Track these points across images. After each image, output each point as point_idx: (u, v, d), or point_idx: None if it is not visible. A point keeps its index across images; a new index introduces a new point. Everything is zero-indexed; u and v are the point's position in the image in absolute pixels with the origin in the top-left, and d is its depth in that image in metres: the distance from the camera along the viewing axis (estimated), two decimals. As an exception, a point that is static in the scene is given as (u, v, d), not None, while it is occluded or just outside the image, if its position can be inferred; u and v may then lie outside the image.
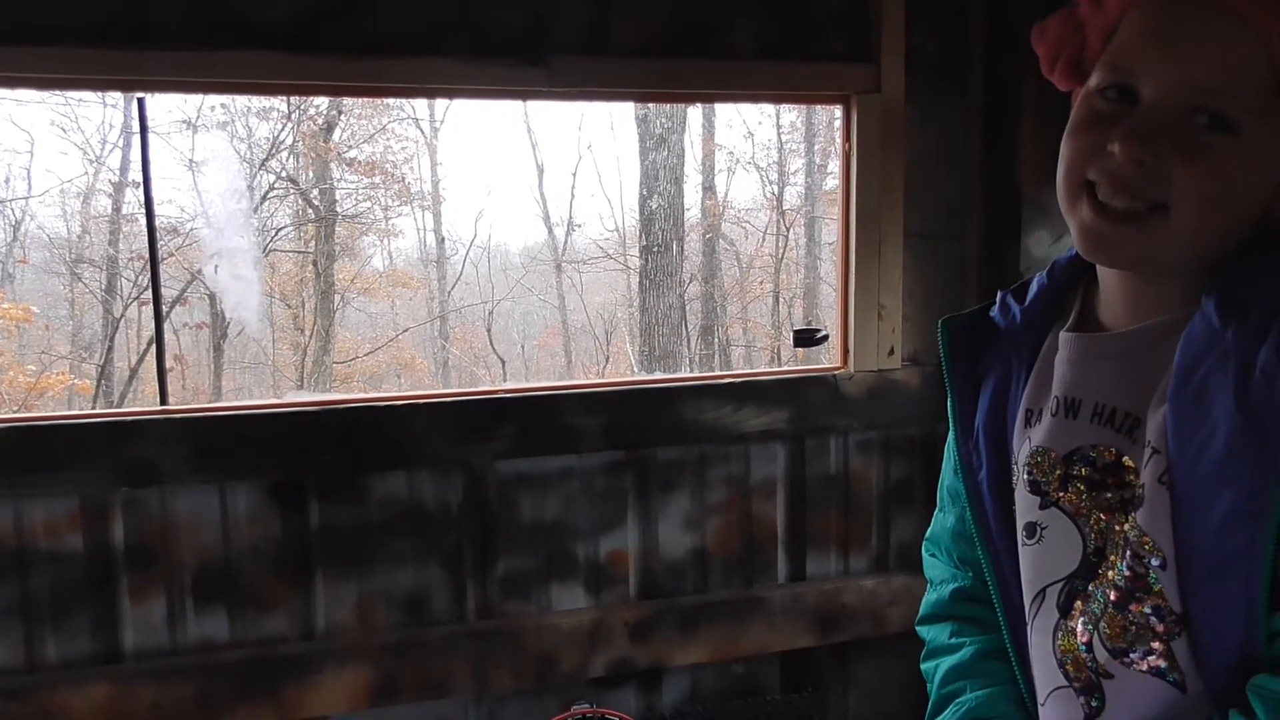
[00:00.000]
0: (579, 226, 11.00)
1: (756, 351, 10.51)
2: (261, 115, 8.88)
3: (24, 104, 8.34)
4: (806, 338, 2.59)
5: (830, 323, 2.52)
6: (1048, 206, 2.20)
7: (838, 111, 2.35)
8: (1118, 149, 0.77)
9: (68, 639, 1.98)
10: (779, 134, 10.56)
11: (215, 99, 8.31)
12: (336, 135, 9.55)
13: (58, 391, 8.17)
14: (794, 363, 9.19)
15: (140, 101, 2.28)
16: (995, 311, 0.98)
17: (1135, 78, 0.78)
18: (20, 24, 1.82)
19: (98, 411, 3.38)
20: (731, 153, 10.57)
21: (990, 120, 2.29)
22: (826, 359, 2.74)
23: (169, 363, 8.68)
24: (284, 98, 8.39)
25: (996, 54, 2.26)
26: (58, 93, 7.68)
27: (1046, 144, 2.13)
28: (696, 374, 8.61)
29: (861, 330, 2.34)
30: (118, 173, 8.81)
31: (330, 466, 2.07)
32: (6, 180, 8.99)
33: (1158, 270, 0.82)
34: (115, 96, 8.10)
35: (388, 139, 10.06)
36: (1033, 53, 0.87)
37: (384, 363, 10.18)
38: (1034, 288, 0.96)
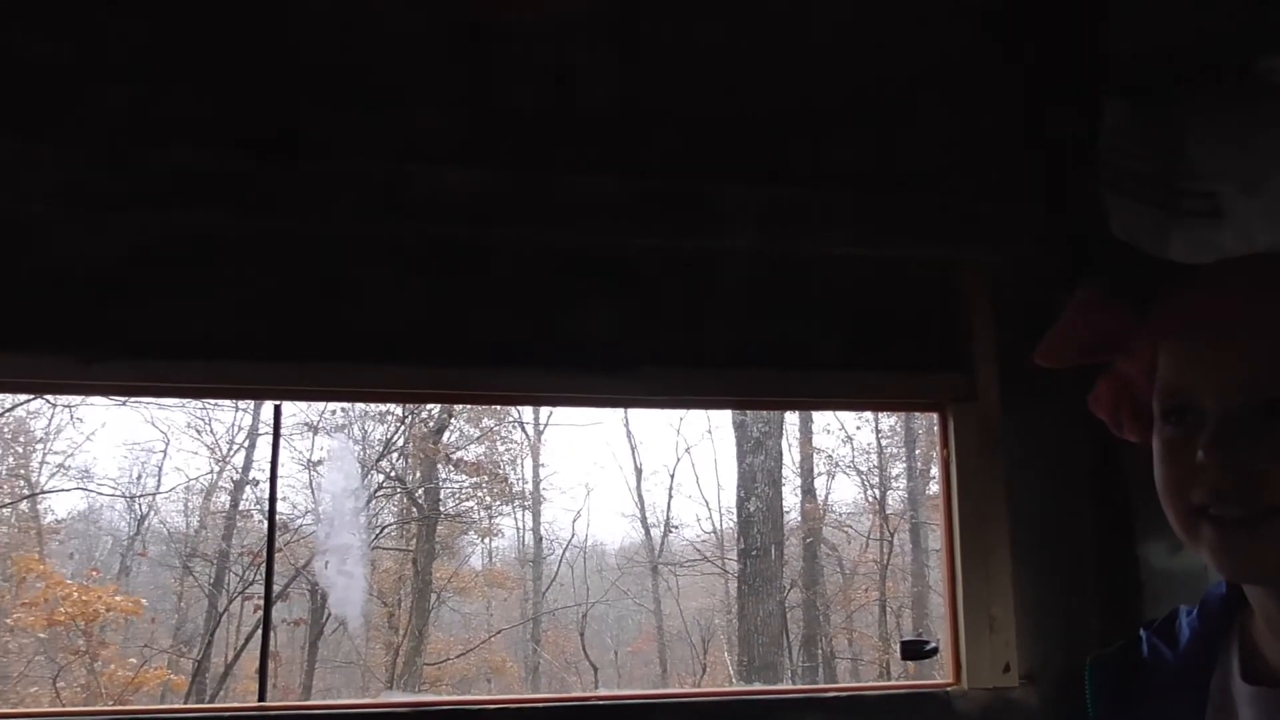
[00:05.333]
0: (676, 528, 10.97)
1: (864, 665, 9.94)
2: (378, 419, 9.42)
3: (165, 407, 9.07)
4: (914, 650, 2.45)
5: (940, 634, 2.39)
6: (1163, 516, 2.10)
7: (935, 416, 2.36)
8: (1204, 456, 0.75)
9: None
10: (878, 438, 10.61)
11: (336, 404, 8.87)
12: (446, 436, 10.00)
13: (153, 688, 8.17)
14: (904, 677, 8.62)
15: (277, 408, 2.45)
16: (1145, 652, 0.92)
17: (1193, 394, 0.78)
18: (171, 338, 2.01)
19: (200, 707, 3.35)
20: (830, 456, 10.62)
21: (1093, 427, 2.26)
22: (939, 674, 2.56)
23: (263, 660, 8.64)
24: (401, 404, 8.89)
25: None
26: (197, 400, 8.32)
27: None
28: (798, 686, 8.14)
29: (973, 643, 2.20)
30: (240, 471, 9.32)
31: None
32: (139, 478, 9.59)
33: None
34: (247, 401, 8.72)
35: (494, 440, 10.47)
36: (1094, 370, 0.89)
37: (474, 665, 9.94)
38: (1185, 631, 0.90)
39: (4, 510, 9.46)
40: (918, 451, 10.20)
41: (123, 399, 8.14)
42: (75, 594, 7.95)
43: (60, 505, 9.94)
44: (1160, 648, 0.89)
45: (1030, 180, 2.38)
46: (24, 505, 9.50)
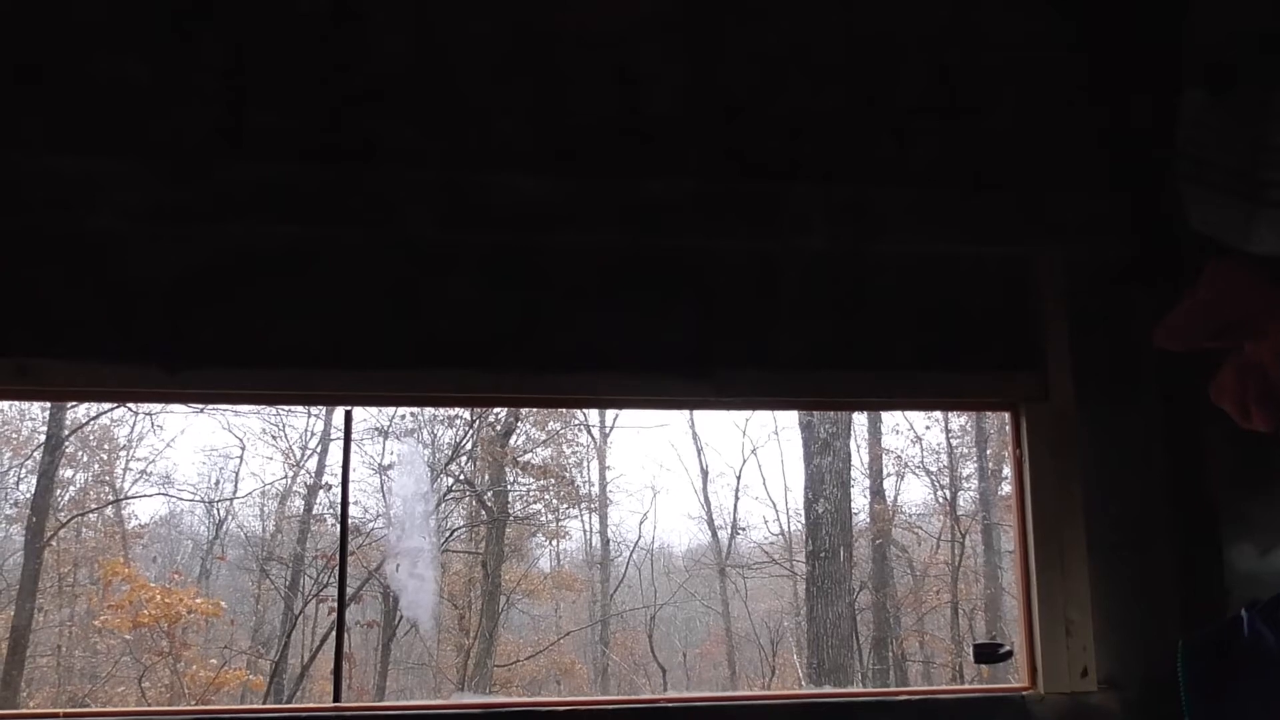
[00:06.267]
0: (743, 530, 10.93)
1: (936, 668, 9.78)
2: (447, 423, 9.55)
3: (241, 414, 9.32)
4: (988, 653, 2.40)
5: (1015, 637, 2.36)
6: (1250, 517, 2.04)
7: (1007, 415, 2.32)
8: None
9: None
10: (948, 438, 10.44)
11: (406, 409, 9.02)
12: (513, 440, 10.10)
13: (233, 688, 8.40)
14: (978, 681, 8.46)
15: (348, 413, 2.50)
16: (1246, 632, 0.88)
17: None
18: (251, 347, 2.07)
19: (280, 707, 3.44)
20: (900, 457, 10.47)
21: (1173, 426, 2.20)
22: (1014, 678, 2.52)
23: (338, 661, 8.81)
24: (470, 408, 9.01)
25: (1172, 358, 2.21)
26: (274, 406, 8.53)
27: (1241, 451, 2.02)
28: (869, 689, 8.05)
29: (1049, 647, 2.15)
30: (313, 475, 9.54)
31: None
32: (217, 483, 9.87)
33: None
34: (319, 407, 8.93)
35: (560, 443, 10.55)
36: (1211, 357, 0.84)
37: (544, 667, 10.03)
38: None
39: (91, 515, 9.81)
40: (989, 451, 10.01)
41: (201, 406, 8.39)
42: (158, 596, 8.22)
43: (143, 510, 10.28)
44: (1262, 630, 0.86)
45: (1106, 175, 2.32)
46: (110, 510, 9.85)
